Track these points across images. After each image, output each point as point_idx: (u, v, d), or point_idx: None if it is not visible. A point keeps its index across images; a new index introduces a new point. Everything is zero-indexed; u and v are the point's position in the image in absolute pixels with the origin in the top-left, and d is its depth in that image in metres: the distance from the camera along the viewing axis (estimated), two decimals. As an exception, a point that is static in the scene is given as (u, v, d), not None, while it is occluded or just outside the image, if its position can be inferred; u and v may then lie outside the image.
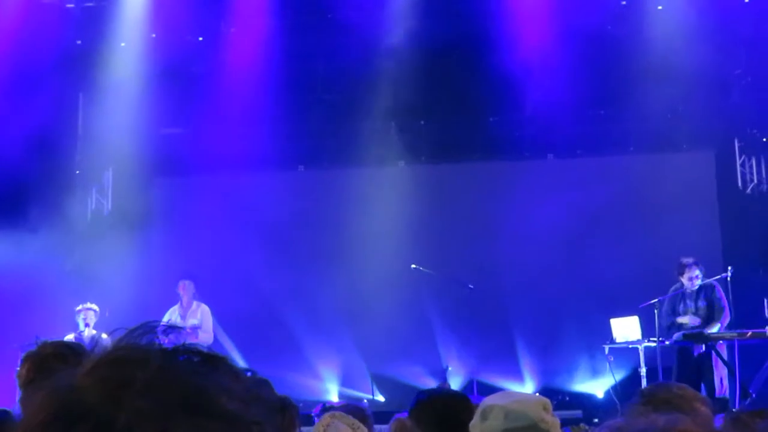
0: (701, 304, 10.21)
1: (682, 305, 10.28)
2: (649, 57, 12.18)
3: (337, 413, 3.29)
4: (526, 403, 3.05)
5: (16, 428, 0.93)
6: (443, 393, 4.08)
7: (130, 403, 0.88)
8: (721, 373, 9.93)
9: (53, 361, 3.22)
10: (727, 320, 10.10)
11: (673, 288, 10.36)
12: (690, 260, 10.25)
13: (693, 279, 10.16)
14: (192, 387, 0.91)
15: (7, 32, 11.82)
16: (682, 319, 10.17)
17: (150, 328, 0.97)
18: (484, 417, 2.96)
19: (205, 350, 0.98)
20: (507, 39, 12.47)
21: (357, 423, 3.23)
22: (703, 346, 9.94)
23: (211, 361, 0.96)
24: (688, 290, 10.21)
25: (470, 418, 3.78)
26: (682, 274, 10.27)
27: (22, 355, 3.43)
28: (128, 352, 0.94)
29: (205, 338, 11.09)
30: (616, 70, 12.47)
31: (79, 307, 10.80)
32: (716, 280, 10.27)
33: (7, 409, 2.83)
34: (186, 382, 0.91)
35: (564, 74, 12.30)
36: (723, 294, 10.20)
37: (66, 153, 13.13)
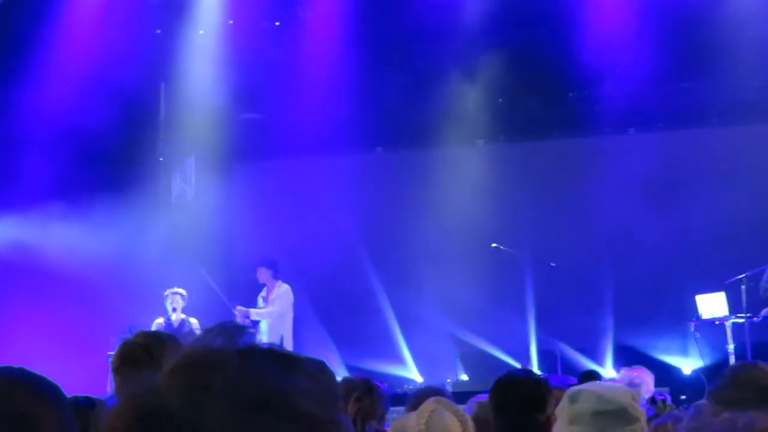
0: None
1: None
2: (734, 27, 11.88)
3: (442, 399, 3.29)
4: (615, 389, 3.04)
5: (101, 426, 0.95)
6: (522, 376, 4.05)
7: (210, 407, 0.90)
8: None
9: (139, 350, 3.32)
10: None
11: None
12: None
13: None
14: (270, 389, 0.93)
15: (89, 25, 12.04)
16: None
17: (224, 328, 0.99)
18: (573, 400, 2.96)
19: (280, 350, 0.99)
20: (586, 12, 12.28)
21: (461, 411, 3.24)
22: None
23: (287, 360, 0.98)
24: None
25: (547, 403, 3.76)
26: None
27: (118, 342, 3.55)
28: (205, 355, 0.96)
29: (269, 317, 11.15)
30: (698, 41, 12.19)
31: (167, 292, 10.98)
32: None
33: (93, 397, 2.91)
34: (263, 383, 0.93)
35: (644, 47, 12.08)
36: None
37: (149, 141, 13.36)
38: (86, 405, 2.74)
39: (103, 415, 0.95)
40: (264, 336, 11.13)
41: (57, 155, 11.41)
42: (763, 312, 9.89)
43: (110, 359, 3.50)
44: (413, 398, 4.91)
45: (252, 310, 11.24)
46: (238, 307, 11.17)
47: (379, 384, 5.43)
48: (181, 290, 11.01)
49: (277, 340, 10.98)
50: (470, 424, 3.18)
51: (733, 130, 12.77)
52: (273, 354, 0.97)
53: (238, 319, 10.93)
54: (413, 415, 3.14)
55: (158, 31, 12.97)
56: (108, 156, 12.23)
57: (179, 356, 0.96)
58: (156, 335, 3.53)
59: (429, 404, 3.11)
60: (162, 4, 12.76)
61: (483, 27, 12.47)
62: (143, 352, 3.32)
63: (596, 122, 13.15)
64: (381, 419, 5.19)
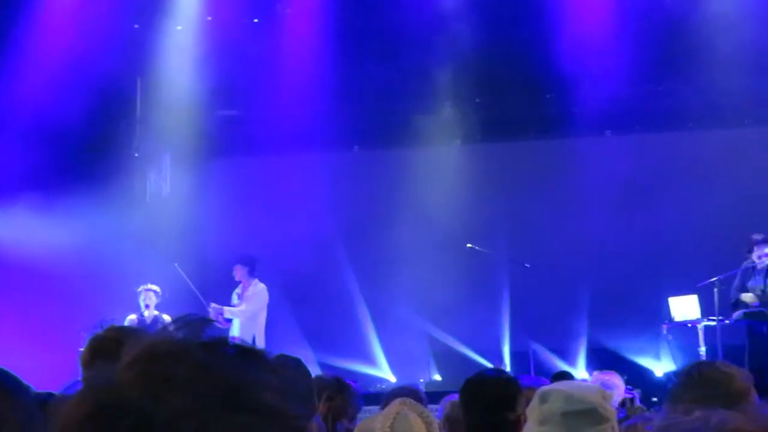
0: None
1: (751, 281, 10.12)
2: (709, 29, 11.96)
3: (407, 401, 3.29)
4: (586, 388, 3.04)
5: (57, 418, 0.94)
6: (492, 375, 4.06)
7: (170, 399, 0.89)
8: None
9: (110, 344, 3.29)
10: None
11: (744, 264, 10.17)
12: (760, 237, 10.07)
13: (762, 257, 9.98)
14: (231, 382, 0.92)
15: (67, 18, 11.97)
16: (746, 297, 10.00)
17: (188, 321, 0.98)
18: (544, 400, 2.96)
19: (242, 343, 0.98)
20: (564, 14, 12.32)
21: (426, 412, 3.24)
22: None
23: (249, 354, 0.96)
24: (758, 267, 10.03)
25: (518, 401, 3.77)
26: (751, 251, 10.10)
27: (88, 337, 3.52)
28: (167, 347, 0.94)
29: (235, 312, 11.10)
30: (675, 44, 12.26)
31: (140, 288, 10.92)
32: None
33: (53, 392, 2.89)
34: (225, 376, 0.92)
35: (622, 49, 12.13)
36: None
37: (125, 136, 13.29)
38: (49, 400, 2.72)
39: (58, 407, 0.93)
40: (235, 334, 11.08)
41: (32, 149, 11.33)
42: (735, 315, 9.95)
43: (80, 355, 3.47)
44: (388, 397, 4.91)
45: (226, 308, 11.19)
46: (213, 305, 11.12)
47: (351, 383, 5.42)
48: (154, 287, 10.96)
49: (249, 339, 10.96)
50: (435, 425, 3.18)
51: (708, 134, 12.85)
52: (236, 347, 0.96)
53: (212, 316, 10.87)
54: (380, 416, 3.14)
55: (136, 26, 12.90)
56: (83, 150, 12.15)
57: (139, 347, 0.94)
58: (127, 330, 3.50)
59: (395, 406, 3.11)
60: (141, 0, 12.70)
61: (461, 27, 12.49)
62: (114, 347, 3.28)
63: (573, 124, 13.19)
64: (352, 418, 5.18)
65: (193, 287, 11.28)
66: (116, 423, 0.89)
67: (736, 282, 10.08)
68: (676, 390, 2.98)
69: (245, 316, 11.14)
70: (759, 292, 10.04)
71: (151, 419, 0.88)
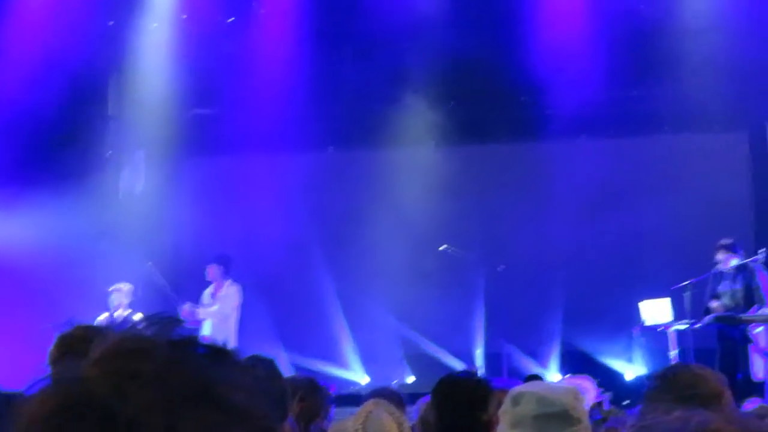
0: (737, 286, 10.10)
1: (720, 286, 10.20)
2: (682, 37, 12.05)
3: (380, 401, 3.29)
4: (557, 390, 3.05)
5: (22, 415, 0.92)
6: (463, 378, 4.07)
7: (136, 396, 0.87)
8: (753, 357, 9.84)
9: (79, 343, 3.25)
10: None
11: (713, 269, 10.24)
12: (724, 242, 10.14)
13: (723, 262, 10.06)
14: (198, 380, 0.90)
15: (40, 14, 11.87)
16: (714, 306, 10.07)
17: (157, 319, 0.96)
18: (516, 402, 2.96)
19: (212, 342, 0.97)
20: (539, 18, 12.37)
21: (398, 413, 3.24)
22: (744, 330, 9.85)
23: (219, 353, 0.95)
24: (725, 271, 10.10)
25: (489, 402, 3.77)
26: (716, 255, 10.19)
27: (56, 335, 3.48)
28: (135, 344, 0.93)
29: (210, 313, 11.05)
30: (648, 50, 12.35)
31: (112, 288, 10.85)
32: (749, 261, 10.14)
33: (21, 390, 2.85)
34: (193, 374, 0.91)
35: (596, 54, 12.19)
36: (766, 279, 10.04)
37: (98, 134, 13.20)
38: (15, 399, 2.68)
39: (22, 404, 0.91)
40: (207, 334, 11.04)
41: (2, 144, 11.22)
42: (706, 319, 10.01)
43: (48, 353, 3.43)
44: (367, 399, 4.92)
45: (200, 309, 11.13)
46: (187, 305, 11.06)
47: (324, 384, 5.42)
48: (126, 286, 10.89)
49: (221, 339, 10.89)
50: (407, 425, 3.18)
51: (681, 138, 12.95)
52: (205, 346, 0.95)
53: (184, 316, 10.84)
54: (352, 417, 3.14)
55: (111, 23, 12.82)
56: (56, 147, 12.04)
57: (106, 344, 0.93)
58: (96, 328, 3.46)
59: (367, 405, 3.11)
60: (115, -4, 12.64)
61: (436, 30, 12.50)
62: (82, 345, 3.24)
63: (548, 127, 13.23)
64: (325, 419, 5.18)
65: (166, 287, 11.22)
66: (82, 418, 0.87)
67: (709, 287, 10.15)
68: (650, 392, 3.00)
69: (218, 317, 11.09)
70: (728, 297, 10.12)
71: (115, 416, 0.87)
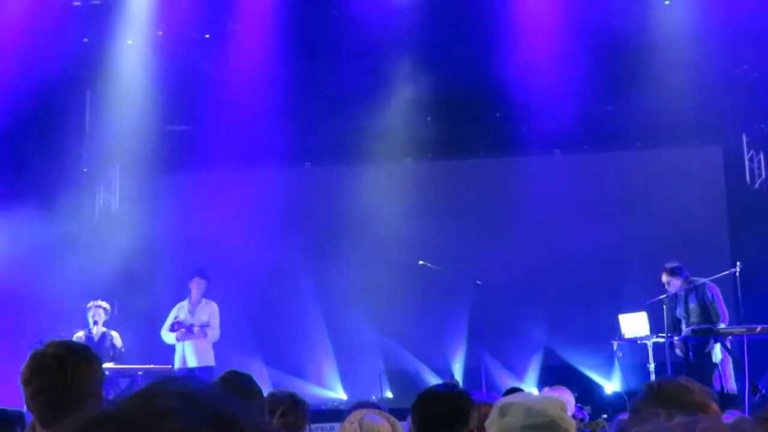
0: (691, 304, 10.29)
1: (678, 309, 10.38)
2: (656, 52, 12.16)
3: (371, 409, 3.29)
4: (545, 401, 3.05)
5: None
6: (443, 391, 4.05)
7: (167, 424, 0.88)
8: (727, 370, 9.94)
9: (50, 361, 3.23)
10: (726, 322, 10.13)
11: (668, 293, 10.40)
12: (666, 266, 10.30)
13: (671, 285, 10.22)
14: (217, 410, 0.92)
15: (14, 30, 11.81)
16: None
17: (162, 386, 0.95)
18: (503, 414, 2.95)
19: (215, 411, 0.96)
20: (513, 34, 12.44)
21: (391, 417, 3.24)
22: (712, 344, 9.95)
23: (221, 425, 0.94)
24: (678, 294, 10.30)
25: (470, 416, 3.77)
26: (662, 278, 10.36)
27: (30, 352, 3.45)
28: (141, 417, 0.91)
29: (212, 336, 11.10)
30: (622, 65, 12.45)
31: (90, 305, 10.78)
32: (725, 275, 10.25)
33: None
34: (212, 405, 0.92)
35: (571, 69, 12.28)
36: (719, 295, 10.20)
37: (73, 151, 13.13)
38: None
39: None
40: (191, 355, 10.99)
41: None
42: (684, 332, 10.08)
43: (21, 371, 3.39)
44: (349, 413, 4.90)
45: (208, 330, 11.07)
46: (196, 328, 10.98)
47: (304, 399, 5.40)
48: (104, 303, 10.82)
49: (207, 360, 10.91)
50: (400, 427, 3.18)
51: (654, 152, 13.04)
52: (206, 415, 0.94)
53: (179, 336, 10.86)
54: (344, 423, 3.13)
55: (85, 40, 12.78)
56: (31, 164, 11.97)
57: (114, 409, 0.91)
58: (68, 345, 3.42)
59: (355, 414, 3.11)
60: (90, 13, 12.58)
61: (413, 45, 12.55)
62: (54, 364, 3.23)
63: (523, 143, 13.31)
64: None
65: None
66: None
67: (667, 309, 10.27)
68: (638, 402, 3.02)
69: (215, 338, 11.11)
70: (685, 318, 10.30)
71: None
